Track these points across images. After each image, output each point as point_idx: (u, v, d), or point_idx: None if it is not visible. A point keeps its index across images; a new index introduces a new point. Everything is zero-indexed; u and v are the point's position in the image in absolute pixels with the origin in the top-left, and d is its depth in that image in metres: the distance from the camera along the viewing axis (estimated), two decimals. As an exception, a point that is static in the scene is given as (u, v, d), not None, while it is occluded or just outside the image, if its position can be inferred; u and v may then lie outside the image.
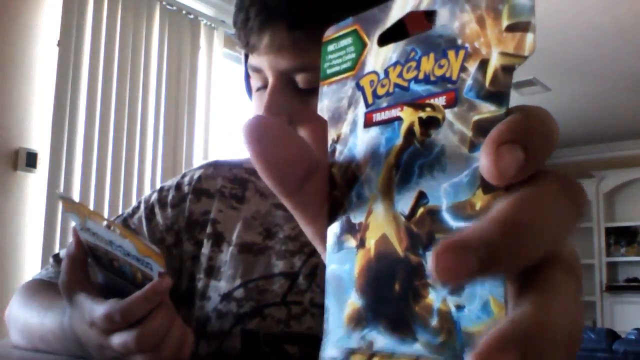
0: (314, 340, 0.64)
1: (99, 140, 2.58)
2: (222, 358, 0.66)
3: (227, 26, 3.24)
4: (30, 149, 2.43)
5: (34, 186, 2.43)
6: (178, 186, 0.79)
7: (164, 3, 2.92)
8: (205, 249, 0.73)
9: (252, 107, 0.70)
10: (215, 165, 0.81)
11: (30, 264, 2.39)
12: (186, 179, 0.80)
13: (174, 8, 2.97)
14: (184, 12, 3.02)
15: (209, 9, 3.16)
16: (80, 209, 0.56)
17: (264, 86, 0.66)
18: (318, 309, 0.65)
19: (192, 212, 0.75)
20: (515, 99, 4.96)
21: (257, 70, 0.65)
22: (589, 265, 6.25)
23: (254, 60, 0.65)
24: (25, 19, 2.48)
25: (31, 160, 2.41)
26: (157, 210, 0.77)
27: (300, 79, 0.64)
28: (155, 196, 0.79)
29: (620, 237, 6.24)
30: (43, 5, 2.53)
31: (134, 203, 0.83)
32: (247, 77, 0.74)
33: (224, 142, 3.20)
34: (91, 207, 2.52)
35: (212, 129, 3.09)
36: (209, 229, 0.74)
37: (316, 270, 0.68)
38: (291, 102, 0.64)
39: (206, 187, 0.77)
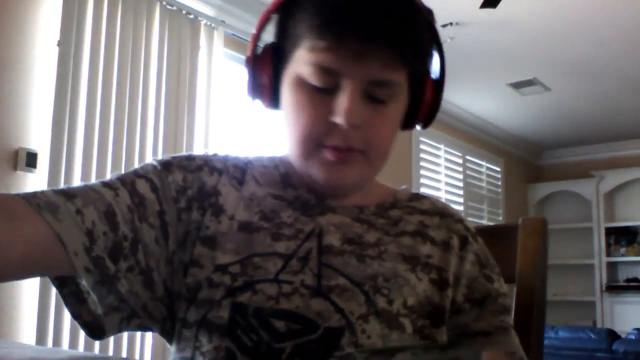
0: (300, 319, 0.66)
1: (99, 140, 2.57)
2: (207, 325, 0.67)
3: (227, 26, 3.24)
4: (30, 149, 2.43)
5: (34, 186, 2.43)
6: (192, 157, 0.79)
7: (164, 3, 2.92)
8: (207, 219, 0.73)
9: (296, 105, 0.71)
10: (225, 155, 0.82)
11: (30, 264, 2.39)
12: (198, 155, 0.80)
13: (174, 8, 2.97)
14: (184, 12, 3.02)
15: (209, 9, 3.16)
16: None
17: (329, 88, 0.68)
18: (307, 290, 0.68)
19: (205, 183, 0.76)
20: (516, 98, 4.96)
21: (329, 71, 0.68)
22: (589, 265, 6.25)
23: (329, 61, 0.67)
24: (25, 19, 2.48)
25: (31, 160, 2.41)
26: (173, 169, 0.75)
27: (379, 91, 0.69)
28: (168, 158, 0.77)
29: (620, 237, 6.24)
30: (43, 5, 2.53)
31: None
32: (259, 61, 0.75)
33: (224, 142, 3.20)
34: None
35: (212, 129, 3.09)
36: (212, 199, 0.75)
37: (309, 255, 0.71)
38: (365, 109, 0.69)
39: (217, 166, 0.78)
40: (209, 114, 3.09)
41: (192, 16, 3.05)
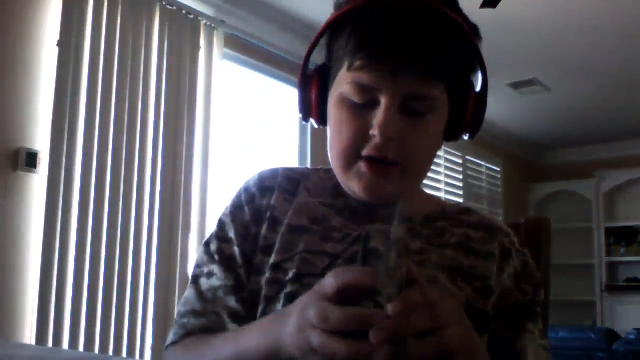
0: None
1: (99, 140, 2.57)
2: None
3: (227, 26, 3.24)
4: (30, 149, 2.43)
5: (34, 186, 2.43)
6: (247, 189, 0.86)
7: (164, 3, 2.92)
8: (264, 231, 0.82)
9: (339, 120, 0.75)
10: (272, 168, 0.89)
11: (31, 264, 2.39)
12: (251, 182, 0.87)
13: (174, 8, 2.97)
14: (184, 12, 3.02)
15: (209, 9, 3.16)
16: None
17: (367, 103, 0.73)
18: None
19: (260, 205, 0.84)
20: (516, 99, 4.96)
21: (367, 89, 0.72)
22: (589, 265, 6.25)
23: (367, 79, 0.72)
24: (25, 19, 2.48)
25: (31, 160, 2.41)
26: (237, 212, 0.85)
27: (413, 103, 0.72)
28: (231, 202, 0.87)
29: (620, 237, 6.23)
30: (43, 5, 2.53)
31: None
32: (308, 82, 0.80)
33: (224, 142, 3.20)
34: (91, 207, 2.52)
35: (212, 129, 3.09)
36: (268, 214, 0.83)
37: (356, 257, 0.76)
38: (402, 123, 0.72)
39: (269, 184, 0.85)
40: (209, 114, 3.08)
41: (192, 16, 3.05)
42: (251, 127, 3.41)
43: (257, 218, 0.83)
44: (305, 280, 0.74)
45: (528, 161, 6.77)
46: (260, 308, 0.76)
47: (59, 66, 2.48)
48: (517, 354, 0.74)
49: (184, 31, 3.00)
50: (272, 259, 0.78)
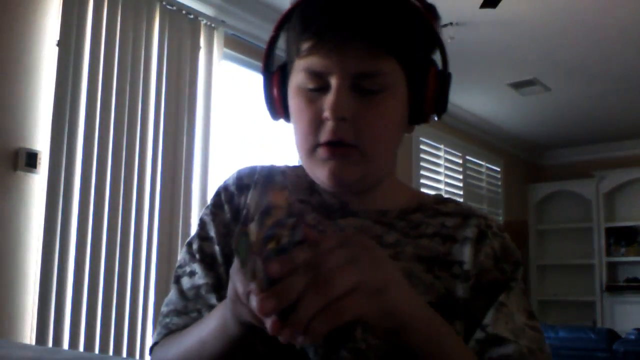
0: None
1: (99, 140, 2.57)
2: None
3: (227, 26, 3.24)
4: (30, 149, 2.43)
5: (34, 186, 2.43)
6: (226, 187, 0.86)
7: (164, 3, 2.92)
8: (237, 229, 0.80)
9: (297, 109, 0.75)
10: (251, 166, 0.88)
11: (31, 264, 2.39)
12: (230, 180, 0.87)
13: (174, 8, 2.97)
14: (184, 12, 3.02)
15: (209, 9, 3.16)
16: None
17: (319, 88, 0.72)
18: None
19: (238, 204, 0.84)
20: (516, 98, 4.96)
21: (317, 74, 0.71)
22: (589, 265, 6.25)
23: (315, 63, 0.71)
24: (25, 19, 2.48)
25: (31, 160, 2.41)
26: (217, 211, 0.85)
27: (364, 82, 0.70)
28: (212, 202, 0.86)
29: (620, 237, 6.23)
30: (43, 5, 2.53)
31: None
32: (269, 82, 0.80)
33: (224, 142, 3.20)
34: (91, 207, 2.52)
35: (212, 129, 3.09)
36: (244, 212, 0.82)
37: None
38: (355, 103, 0.70)
39: (247, 182, 0.85)
40: (209, 113, 3.09)
41: (192, 16, 3.05)
42: (251, 127, 3.41)
43: (236, 216, 0.83)
44: None
45: (528, 161, 6.78)
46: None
47: (59, 66, 2.48)
48: (483, 327, 0.72)
49: (184, 31, 3.00)
50: None
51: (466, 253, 0.76)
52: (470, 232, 0.77)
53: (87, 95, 2.56)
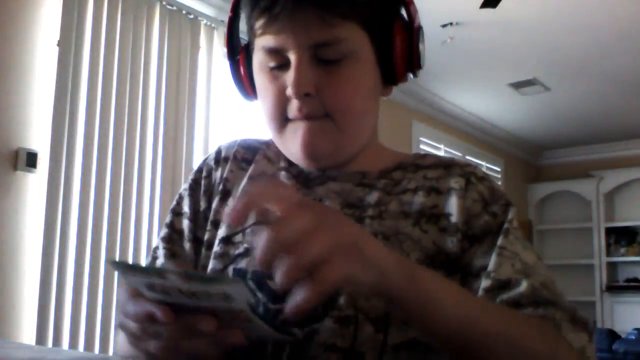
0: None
1: (99, 140, 2.57)
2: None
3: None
4: (30, 149, 2.43)
5: (33, 186, 2.43)
6: (206, 162, 0.85)
7: (164, 3, 2.92)
8: (215, 204, 0.79)
9: (262, 88, 0.73)
10: (237, 140, 0.87)
11: (30, 264, 2.39)
12: (211, 155, 0.86)
13: (174, 8, 2.97)
14: (184, 12, 3.02)
15: (209, 9, 3.16)
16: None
17: (280, 65, 0.70)
18: None
19: (215, 178, 0.82)
20: (516, 98, 4.96)
21: (275, 51, 0.69)
22: (589, 265, 6.25)
23: (271, 41, 0.69)
24: (25, 18, 2.48)
25: (31, 160, 2.41)
26: (195, 186, 0.83)
27: (324, 52, 0.68)
28: (191, 176, 0.86)
29: (620, 237, 6.23)
30: (43, 5, 2.53)
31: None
32: (235, 65, 0.79)
33: (224, 142, 3.20)
34: (91, 208, 2.51)
35: (212, 129, 3.09)
36: (220, 186, 0.80)
37: None
38: (317, 74, 0.68)
39: (225, 155, 0.83)
40: (209, 113, 3.09)
41: (192, 16, 3.05)
42: (251, 127, 3.41)
43: (209, 189, 0.81)
44: (254, 253, 0.71)
45: (528, 161, 6.78)
46: None
47: (59, 66, 2.48)
48: (488, 273, 0.67)
49: (184, 31, 3.00)
50: (222, 233, 0.75)
51: (452, 204, 0.72)
52: (454, 182, 0.74)
53: (87, 95, 2.55)
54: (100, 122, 2.59)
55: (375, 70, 0.73)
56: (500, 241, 0.69)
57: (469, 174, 0.75)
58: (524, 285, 0.66)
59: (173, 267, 0.56)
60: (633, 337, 3.76)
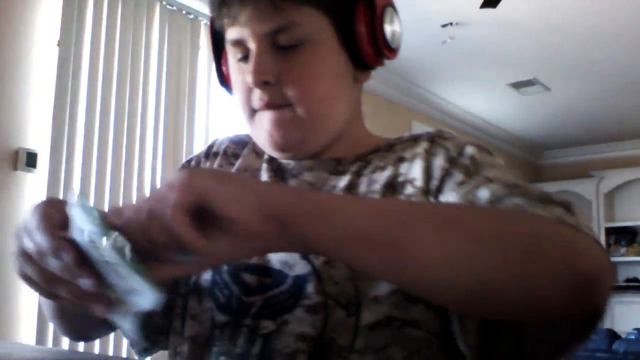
0: (269, 271, 0.66)
1: (99, 140, 2.58)
2: (197, 290, 0.71)
3: (227, 26, 3.24)
4: (30, 149, 2.43)
5: (33, 186, 2.43)
6: (197, 157, 0.84)
7: (164, 3, 2.92)
8: None
9: (233, 81, 0.73)
10: (230, 135, 0.86)
11: (30, 264, 2.39)
12: (203, 150, 0.85)
13: (174, 8, 2.97)
14: (184, 12, 3.02)
15: (208, 8, 3.16)
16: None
17: (245, 56, 0.69)
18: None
19: None
20: (516, 99, 4.96)
21: (238, 43, 0.69)
22: (589, 265, 6.25)
23: (234, 33, 0.69)
24: (25, 18, 2.48)
25: (31, 160, 2.41)
26: None
27: (281, 38, 0.67)
28: (179, 168, 0.84)
29: (620, 237, 6.24)
30: (43, 5, 2.53)
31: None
32: (219, 60, 0.79)
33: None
34: (91, 207, 2.51)
35: (212, 129, 3.09)
36: None
37: None
38: (276, 62, 0.67)
39: (215, 150, 0.83)
40: (209, 113, 3.09)
41: (192, 16, 3.05)
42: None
43: None
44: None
45: (528, 161, 6.78)
46: (193, 279, 0.72)
47: (59, 66, 2.48)
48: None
49: (184, 31, 3.00)
50: None
51: (417, 168, 0.68)
52: (419, 148, 0.70)
53: (87, 95, 2.56)
54: (100, 122, 2.59)
55: (339, 54, 0.70)
56: (458, 178, 0.64)
57: (436, 137, 0.71)
58: (484, 193, 0.59)
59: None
60: (633, 337, 3.76)
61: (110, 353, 2.52)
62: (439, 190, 0.65)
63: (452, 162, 0.66)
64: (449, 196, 0.63)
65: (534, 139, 6.33)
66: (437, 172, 0.66)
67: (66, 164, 2.46)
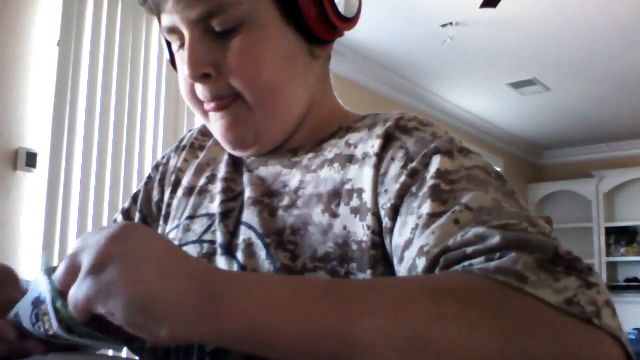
0: None
1: (99, 140, 2.57)
2: None
3: (227, 26, 3.24)
4: (30, 149, 2.43)
5: (33, 186, 2.43)
6: (170, 152, 0.81)
7: (164, 3, 2.93)
8: (166, 197, 0.75)
9: (179, 73, 0.67)
10: (201, 127, 0.80)
11: (30, 264, 2.39)
12: (176, 144, 0.82)
13: (174, 8, 2.97)
14: (184, 12, 3.02)
15: None
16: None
17: (183, 44, 0.63)
18: (221, 249, 0.63)
19: (170, 166, 0.78)
20: (516, 98, 4.96)
21: (173, 31, 0.62)
22: (589, 265, 6.25)
23: (166, 20, 0.62)
24: (25, 18, 2.48)
25: (31, 160, 2.41)
26: (153, 174, 0.81)
27: (215, 23, 0.60)
28: (153, 165, 0.82)
29: (620, 237, 6.24)
30: (43, 5, 2.53)
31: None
32: (169, 46, 0.71)
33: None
34: (91, 207, 2.52)
35: (212, 129, 3.09)
36: (173, 177, 0.76)
37: (231, 213, 0.65)
38: (213, 49, 0.61)
39: (184, 143, 0.79)
40: (209, 114, 3.09)
41: (192, 16, 3.05)
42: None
43: (164, 176, 0.77)
44: (185, 249, 0.64)
45: (528, 161, 6.78)
46: None
47: (59, 66, 2.48)
48: (421, 248, 0.49)
49: (183, 31, 3.00)
50: (166, 230, 0.72)
51: (366, 176, 0.59)
52: (370, 145, 0.61)
53: (87, 95, 2.56)
54: (100, 122, 2.59)
55: (285, 33, 0.62)
56: (422, 202, 0.52)
57: (395, 129, 0.61)
58: (469, 234, 0.46)
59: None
60: (633, 337, 3.75)
61: (110, 353, 2.52)
62: (396, 210, 0.54)
63: (414, 175, 0.55)
64: (410, 222, 0.52)
65: (534, 139, 6.33)
66: (392, 186, 0.56)
67: (66, 164, 2.46)
